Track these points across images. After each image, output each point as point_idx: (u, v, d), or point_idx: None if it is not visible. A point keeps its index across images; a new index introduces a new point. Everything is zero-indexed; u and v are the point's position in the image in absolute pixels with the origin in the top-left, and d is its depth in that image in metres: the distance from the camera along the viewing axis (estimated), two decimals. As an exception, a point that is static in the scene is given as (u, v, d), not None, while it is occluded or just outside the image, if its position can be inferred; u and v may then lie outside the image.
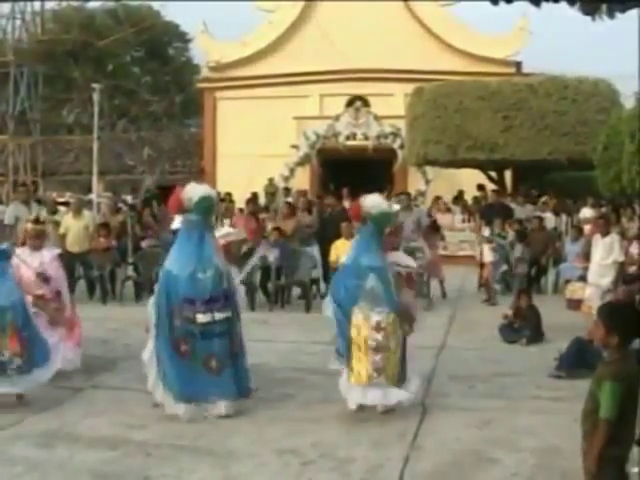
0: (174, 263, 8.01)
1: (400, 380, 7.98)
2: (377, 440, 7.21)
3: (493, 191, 21.71)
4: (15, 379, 8.03)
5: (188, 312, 7.81)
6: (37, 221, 9.80)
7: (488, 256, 16.35)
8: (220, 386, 7.89)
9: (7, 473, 6.50)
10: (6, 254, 8.41)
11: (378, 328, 7.92)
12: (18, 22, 31.95)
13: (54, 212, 17.51)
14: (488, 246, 16.50)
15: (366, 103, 29.68)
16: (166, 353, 7.93)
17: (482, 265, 16.77)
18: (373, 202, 8.46)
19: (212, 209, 8.44)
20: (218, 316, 7.87)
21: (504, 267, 16.50)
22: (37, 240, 9.32)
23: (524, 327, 11.77)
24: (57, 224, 16.67)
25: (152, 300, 8.13)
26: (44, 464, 6.70)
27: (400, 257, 9.14)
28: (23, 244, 9.64)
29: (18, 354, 7.98)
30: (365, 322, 7.94)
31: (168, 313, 7.89)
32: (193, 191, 8.05)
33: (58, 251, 9.91)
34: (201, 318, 7.80)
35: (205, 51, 33.69)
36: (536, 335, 11.72)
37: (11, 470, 6.56)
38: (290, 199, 23.42)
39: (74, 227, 16.53)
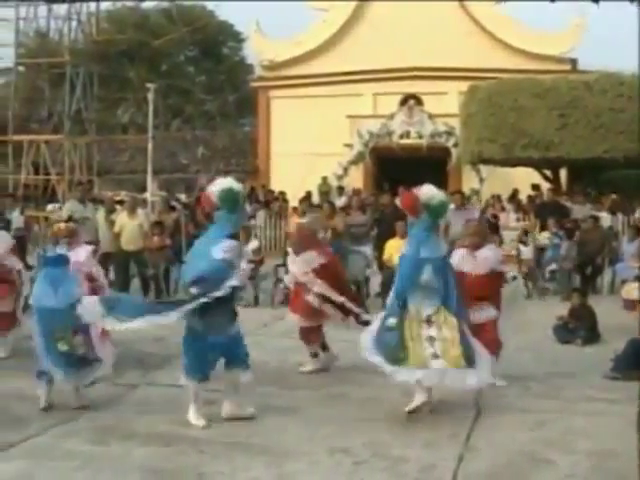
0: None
1: (468, 364, 7.84)
2: (430, 440, 7.18)
3: (549, 190, 21.45)
4: (81, 372, 8.14)
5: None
6: (69, 219, 9.87)
7: (525, 253, 16.54)
8: None
9: (63, 467, 6.58)
10: (65, 259, 8.48)
11: (429, 321, 7.98)
12: (74, 23, 32.27)
13: (112, 211, 17.66)
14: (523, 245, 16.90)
15: (420, 102, 29.54)
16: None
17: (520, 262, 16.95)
18: (430, 193, 8.28)
19: (240, 203, 8.06)
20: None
21: (553, 266, 16.48)
22: (69, 239, 9.37)
23: (579, 327, 11.65)
24: (112, 223, 16.84)
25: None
26: (99, 459, 6.77)
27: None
28: (56, 244, 9.68)
29: (81, 343, 8.08)
30: (417, 315, 8.01)
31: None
32: (218, 186, 7.82)
33: (92, 248, 9.94)
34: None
35: (259, 50, 33.76)
36: (592, 335, 11.59)
37: (67, 464, 6.64)
38: (344, 198, 23.42)
39: (128, 226, 16.67)
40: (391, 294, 8.43)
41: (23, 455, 6.93)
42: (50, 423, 7.77)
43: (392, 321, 8.09)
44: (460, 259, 8.93)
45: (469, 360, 7.81)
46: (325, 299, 9.78)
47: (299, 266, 9.98)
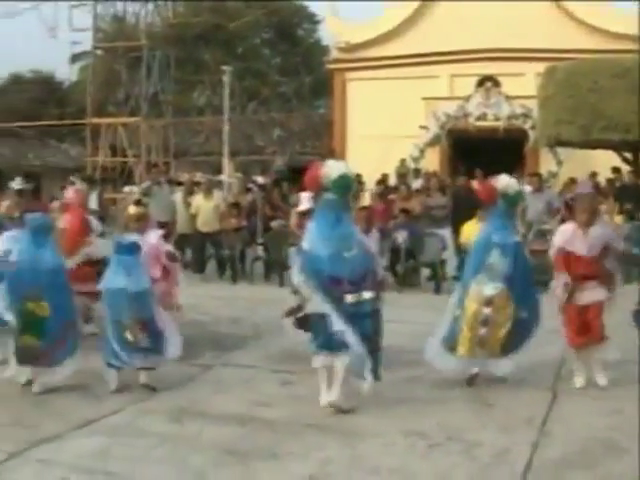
0: (314, 243, 7.64)
1: (505, 352, 8.28)
2: (504, 424, 7.13)
3: (630, 172, 21.07)
4: (146, 359, 8.24)
5: (336, 293, 7.48)
6: (138, 203, 9.89)
7: None
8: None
9: (139, 445, 6.68)
10: (137, 246, 8.55)
11: (488, 302, 8.19)
12: (150, 6, 32.57)
13: (191, 193, 17.82)
14: None
15: (497, 83, 29.21)
16: None
17: None
18: (507, 182, 8.51)
19: (350, 188, 7.93)
20: (366, 295, 7.57)
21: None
22: (140, 222, 9.39)
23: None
24: (189, 205, 17.00)
25: (297, 281, 7.90)
26: (173, 438, 6.85)
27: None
28: (126, 227, 9.72)
29: (145, 338, 8.16)
30: (477, 295, 8.24)
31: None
32: (331, 169, 7.68)
33: (162, 232, 9.97)
34: (349, 298, 7.47)
35: (334, 32, 33.68)
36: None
37: (143, 442, 6.74)
38: (420, 181, 23.32)
39: (204, 207, 16.82)
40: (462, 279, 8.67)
41: (101, 432, 7.06)
42: (127, 401, 7.90)
43: (457, 313, 8.44)
44: (570, 236, 8.47)
45: (507, 348, 8.28)
46: None
47: None
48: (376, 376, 7.61)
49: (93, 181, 20.53)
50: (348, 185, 7.76)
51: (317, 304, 7.59)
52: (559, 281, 8.41)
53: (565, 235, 8.50)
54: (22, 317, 8.29)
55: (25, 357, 8.34)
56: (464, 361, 8.38)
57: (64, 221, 10.81)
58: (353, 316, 7.46)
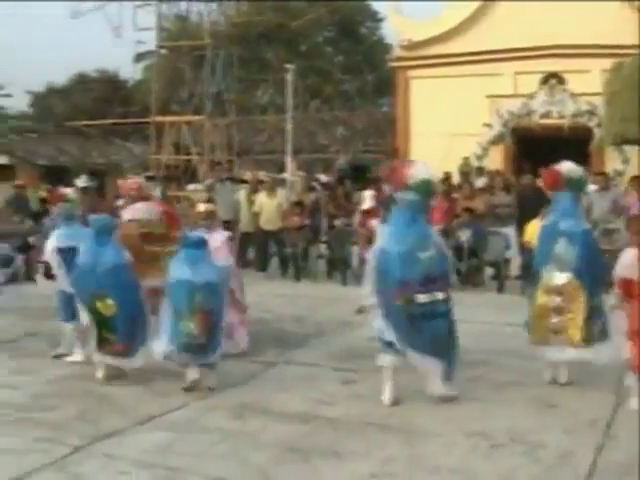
0: (389, 242, 7.71)
1: (587, 341, 8.11)
2: (569, 426, 7.05)
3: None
4: (198, 356, 8.26)
5: (408, 292, 7.55)
6: (208, 201, 9.99)
7: None
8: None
9: (202, 441, 6.75)
10: (204, 241, 8.62)
11: (558, 292, 8.16)
12: (214, 6, 32.74)
13: (255, 191, 17.90)
14: None
15: (561, 80, 28.90)
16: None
17: None
18: (571, 167, 8.48)
19: (432, 192, 8.16)
20: (439, 295, 7.67)
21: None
22: (208, 220, 9.46)
23: None
24: (253, 203, 17.10)
25: (366, 280, 7.93)
26: (236, 435, 6.90)
27: None
28: (194, 224, 9.81)
29: (202, 333, 8.20)
30: (547, 285, 8.23)
31: (387, 293, 7.68)
32: (418, 171, 7.81)
33: (228, 234, 10.03)
34: (422, 298, 7.56)
35: (397, 30, 33.58)
36: None
37: (205, 438, 6.81)
38: (483, 179, 23.15)
39: (268, 205, 16.90)
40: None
41: (163, 427, 7.14)
42: (190, 398, 7.97)
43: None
44: (629, 263, 8.08)
45: (589, 338, 8.09)
46: None
47: None
48: (447, 376, 7.68)
49: (155, 179, 20.74)
50: (430, 190, 7.95)
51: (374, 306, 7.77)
52: (623, 309, 8.13)
53: (625, 262, 8.20)
54: (92, 314, 8.61)
55: (103, 349, 8.68)
56: (542, 348, 8.35)
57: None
58: (426, 315, 7.55)
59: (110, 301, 8.54)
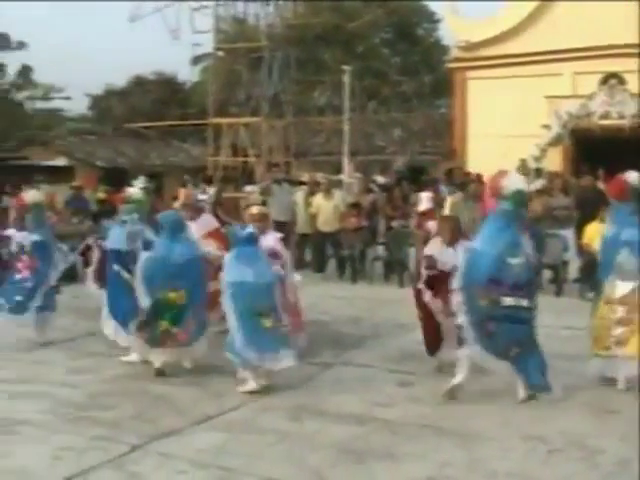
0: (482, 244, 7.97)
1: None
2: (627, 433, 6.95)
3: None
4: (274, 354, 8.26)
5: (494, 294, 7.75)
6: (263, 204, 10.04)
7: None
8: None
9: (257, 442, 6.79)
10: (255, 237, 8.67)
11: (622, 302, 8.16)
12: (271, 8, 32.84)
13: (312, 192, 17.90)
14: None
15: (621, 80, 28.56)
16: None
17: None
18: (637, 177, 8.48)
19: (524, 203, 8.47)
20: (523, 302, 7.82)
21: None
22: (262, 222, 9.49)
23: None
24: (310, 204, 17.12)
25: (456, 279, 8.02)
26: (292, 436, 6.93)
27: None
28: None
29: (283, 330, 8.30)
30: (611, 295, 8.24)
31: (472, 292, 7.83)
32: (512, 182, 8.11)
33: (280, 235, 10.04)
34: (507, 301, 7.74)
35: (454, 31, 33.44)
36: None
37: (261, 439, 6.84)
38: (541, 181, 22.97)
39: (325, 207, 16.90)
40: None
41: (220, 428, 7.20)
42: (246, 399, 8.01)
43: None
44: None
45: None
46: None
47: None
48: (533, 382, 7.84)
49: (212, 181, 20.91)
50: (522, 201, 8.23)
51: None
52: None
53: None
54: (162, 305, 8.83)
55: (164, 341, 8.86)
56: (604, 361, 8.37)
57: None
58: (507, 319, 7.74)
59: (182, 292, 8.82)
